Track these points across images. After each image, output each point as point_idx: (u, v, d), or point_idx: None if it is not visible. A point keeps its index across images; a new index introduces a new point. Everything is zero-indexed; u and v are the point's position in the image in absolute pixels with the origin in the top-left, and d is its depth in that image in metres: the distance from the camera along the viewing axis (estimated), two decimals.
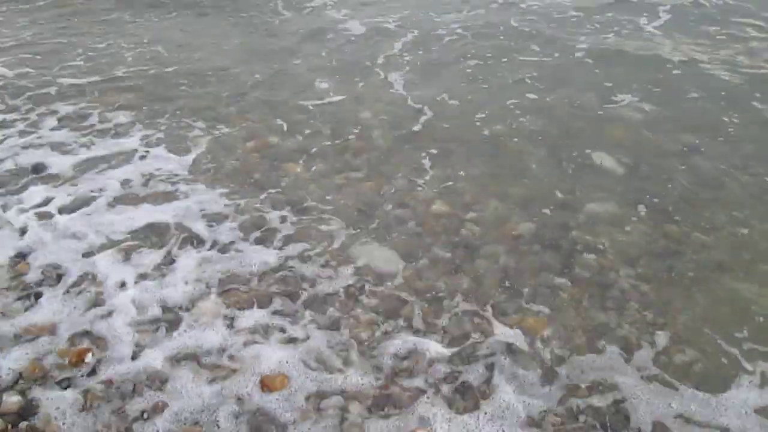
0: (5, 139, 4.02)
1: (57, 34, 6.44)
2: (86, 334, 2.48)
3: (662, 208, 3.39)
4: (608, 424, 2.15)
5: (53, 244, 2.98)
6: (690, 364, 2.41)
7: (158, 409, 2.15)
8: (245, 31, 6.64)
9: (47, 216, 3.20)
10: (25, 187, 3.45)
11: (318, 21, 6.91)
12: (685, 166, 3.84)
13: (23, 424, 2.10)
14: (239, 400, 2.19)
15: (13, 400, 2.18)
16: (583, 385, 2.29)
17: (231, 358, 2.37)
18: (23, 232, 3.05)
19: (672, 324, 2.60)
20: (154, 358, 2.35)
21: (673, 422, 2.16)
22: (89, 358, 2.33)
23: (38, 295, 2.65)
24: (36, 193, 3.38)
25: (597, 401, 2.23)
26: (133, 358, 2.36)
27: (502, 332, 2.51)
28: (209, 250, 2.98)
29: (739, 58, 5.47)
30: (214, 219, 3.23)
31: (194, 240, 3.06)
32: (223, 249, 2.99)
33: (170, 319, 2.56)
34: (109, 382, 2.23)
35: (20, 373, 2.28)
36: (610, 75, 5.21)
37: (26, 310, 2.59)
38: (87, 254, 2.93)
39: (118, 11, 7.31)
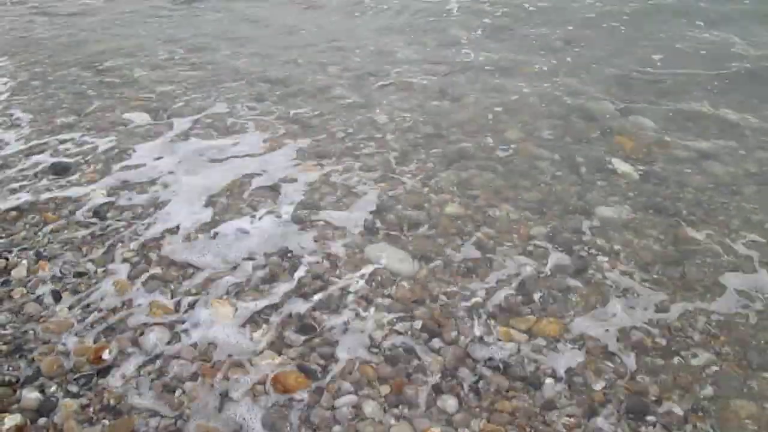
0: None
1: None
2: (104, 330, 2.52)
3: (675, 213, 3.39)
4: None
5: None
6: (703, 368, 2.41)
7: None
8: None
9: None
10: None
11: (333, 28, 6.95)
12: (698, 171, 3.85)
13: (42, 421, 2.13)
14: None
15: (32, 396, 2.21)
16: (597, 388, 2.29)
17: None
18: None
19: (686, 329, 2.60)
20: None
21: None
22: (107, 354, 2.36)
23: (56, 293, 2.69)
24: None
25: (612, 404, 2.24)
26: None
27: (516, 335, 2.51)
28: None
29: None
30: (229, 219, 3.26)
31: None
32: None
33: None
34: None
35: (39, 369, 2.32)
36: (626, 81, 5.23)
37: (44, 307, 2.63)
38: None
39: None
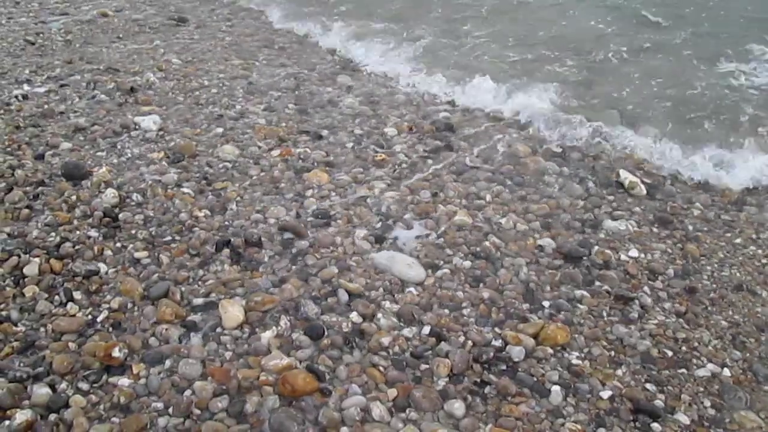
0: None
1: None
2: (115, 329, 2.55)
3: (682, 228, 3.42)
4: None
5: None
6: (709, 378, 2.42)
7: None
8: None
9: None
10: None
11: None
12: (704, 186, 3.89)
13: (52, 416, 2.14)
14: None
15: (42, 392, 2.22)
16: (604, 396, 2.31)
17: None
18: None
19: (692, 339, 2.61)
20: None
21: None
22: (117, 352, 2.37)
23: (68, 291, 2.71)
24: None
25: (619, 410, 2.26)
26: None
27: (523, 341, 2.52)
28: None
29: None
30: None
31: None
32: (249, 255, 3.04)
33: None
34: None
35: (50, 366, 2.33)
36: (634, 92, 5.29)
37: (56, 305, 2.65)
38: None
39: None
